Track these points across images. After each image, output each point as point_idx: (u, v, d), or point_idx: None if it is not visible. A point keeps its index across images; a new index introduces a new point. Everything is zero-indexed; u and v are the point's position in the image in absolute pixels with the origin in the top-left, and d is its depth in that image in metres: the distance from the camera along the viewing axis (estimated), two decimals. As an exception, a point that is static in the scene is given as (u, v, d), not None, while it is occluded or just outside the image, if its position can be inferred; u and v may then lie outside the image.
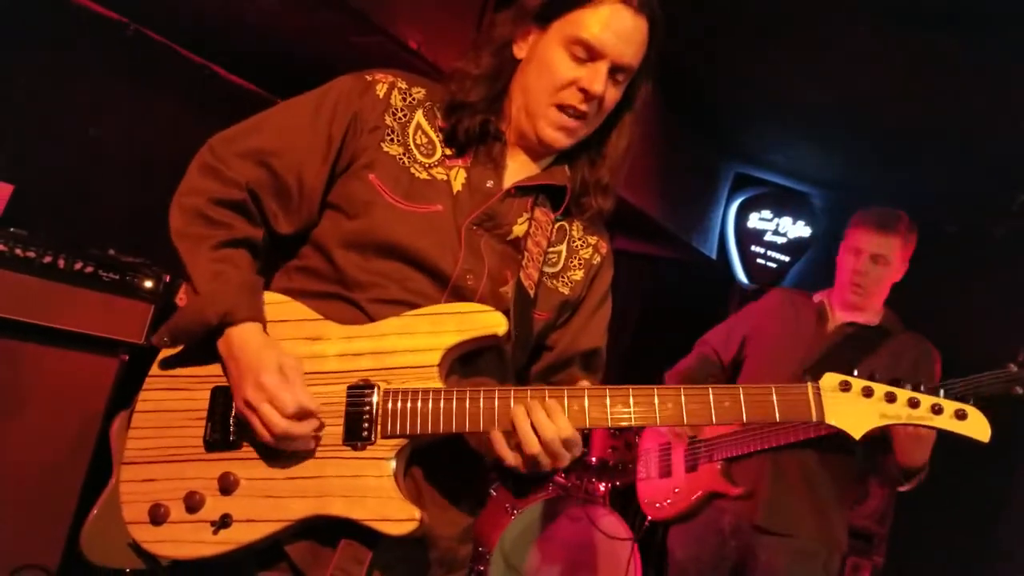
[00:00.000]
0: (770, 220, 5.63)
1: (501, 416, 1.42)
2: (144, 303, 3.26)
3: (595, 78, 1.53)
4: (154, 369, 1.55)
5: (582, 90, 1.54)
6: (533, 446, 1.37)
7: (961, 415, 1.41)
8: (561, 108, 1.56)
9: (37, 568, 2.98)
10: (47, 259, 3.01)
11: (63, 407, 3.06)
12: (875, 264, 2.93)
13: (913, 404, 1.41)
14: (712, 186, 5.61)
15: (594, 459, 4.10)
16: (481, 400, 1.43)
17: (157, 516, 1.45)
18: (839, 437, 2.57)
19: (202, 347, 1.50)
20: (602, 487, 4.05)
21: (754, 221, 5.68)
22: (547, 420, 1.38)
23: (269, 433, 1.39)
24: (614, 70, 1.55)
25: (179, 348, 1.54)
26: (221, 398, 1.49)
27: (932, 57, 3.44)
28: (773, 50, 3.87)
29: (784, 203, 5.63)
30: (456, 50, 1.73)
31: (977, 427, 1.42)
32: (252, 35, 3.43)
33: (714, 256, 5.67)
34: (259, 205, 1.56)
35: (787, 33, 3.67)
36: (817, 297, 3.12)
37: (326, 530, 1.44)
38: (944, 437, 1.51)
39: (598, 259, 1.74)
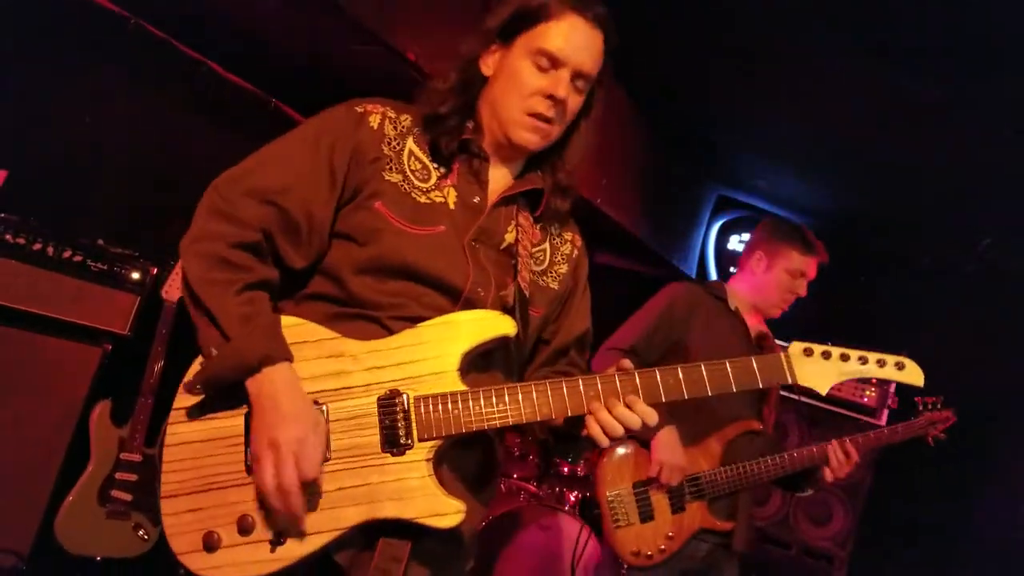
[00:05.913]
0: (749, 243, 5.72)
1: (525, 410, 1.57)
2: (130, 294, 3.30)
3: (559, 84, 1.68)
4: (177, 402, 1.58)
5: (548, 96, 1.68)
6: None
7: (900, 366, 1.66)
8: (531, 115, 1.69)
9: (9, 552, 2.98)
10: (36, 246, 3.05)
11: (44, 393, 3.08)
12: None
13: (863, 361, 1.65)
14: (694, 207, 5.71)
15: (565, 469, 4.19)
16: (506, 396, 1.56)
17: (211, 543, 1.50)
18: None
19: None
20: (572, 497, 4.12)
21: (734, 243, 5.80)
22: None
23: (275, 481, 1.44)
24: (575, 77, 1.70)
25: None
26: None
27: (912, 94, 3.54)
28: (760, 79, 3.96)
29: (764, 227, 5.74)
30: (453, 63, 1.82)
31: (913, 375, 1.66)
32: (251, 35, 3.46)
33: (694, 275, 5.76)
34: (272, 244, 1.61)
35: (774, 63, 3.75)
36: (731, 303, 3.20)
37: (366, 534, 1.53)
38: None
39: (576, 252, 1.91)
